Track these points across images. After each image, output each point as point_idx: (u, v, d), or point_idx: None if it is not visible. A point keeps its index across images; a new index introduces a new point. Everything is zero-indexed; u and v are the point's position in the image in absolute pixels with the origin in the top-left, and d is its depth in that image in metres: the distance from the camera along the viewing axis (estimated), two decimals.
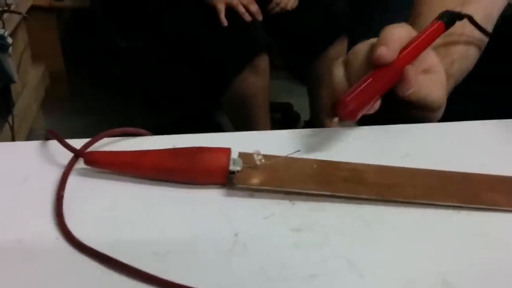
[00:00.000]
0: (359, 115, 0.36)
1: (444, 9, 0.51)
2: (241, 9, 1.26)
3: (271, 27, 1.34)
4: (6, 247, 0.28)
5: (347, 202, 0.32)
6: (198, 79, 1.50)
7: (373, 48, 0.38)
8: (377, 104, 0.38)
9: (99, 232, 0.29)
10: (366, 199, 0.32)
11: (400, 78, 0.38)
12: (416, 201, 0.32)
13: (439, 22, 0.43)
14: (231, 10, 1.26)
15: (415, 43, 0.39)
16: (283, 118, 1.77)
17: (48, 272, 0.27)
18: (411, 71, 0.38)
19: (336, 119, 0.35)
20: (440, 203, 0.32)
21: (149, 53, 1.50)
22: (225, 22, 1.24)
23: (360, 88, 0.36)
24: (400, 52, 0.38)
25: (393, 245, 0.29)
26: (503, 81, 0.61)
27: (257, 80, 1.29)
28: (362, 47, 0.39)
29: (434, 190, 0.33)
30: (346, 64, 0.40)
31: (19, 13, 1.38)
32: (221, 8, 1.24)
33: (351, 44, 1.54)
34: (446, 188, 0.33)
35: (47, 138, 0.37)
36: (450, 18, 0.44)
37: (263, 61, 1.29)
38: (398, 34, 0.39)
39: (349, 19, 1.44)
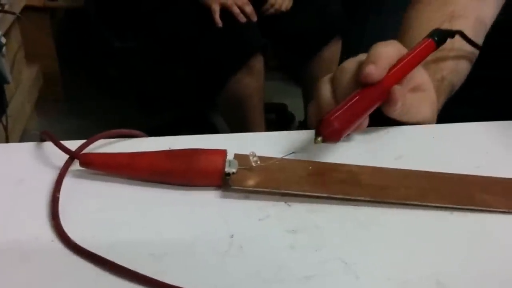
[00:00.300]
0: (344, 135, 0.35)
1: (432, 24, 0.51)
2: (236, 10, 1.26)
3: (265, 28, 1.34)
4: (2, 249, 0.28)
5: (343, 203, 0.32)
6: (193, 80, 1.50)
7: (361, 65, 0.37)
8: (365, 122, 0.37)
9: (94, 234, 0.29)
10: (361, 201, 0.32)
11: (387, 97, 0.37)
12: (411, 202, 0.32)
13: (429, 40, 0.43)
14: (225, 11, 1.26)
15: (404, 62, 0.39)
16: (277, 119, 1.78)
17: (44, 274, 0.27)
18: (398, 91, 0.37)
19: (320, 139, 0.33)
20: (434, 204, 0.32)
21: (143, 53, 1.50)
22: (219, 22, 1.24)
23: (345, 107, 0.35)
24: (389, 70, 0.37)
25: (388, 246, 0.29)
26: (497, 84, 0.61)
27: (252, 81, 1.29)
28: (350, 65, 0.39)
29: (428, 192, 0.33)
30: (333, 81, 0.39)
31: (13, 13, 1.37)
32: (216, 8, 1.24)
33: (346, 45, 1.55)
34: (440, 190, 0.34)
35: (42, 139, 0.37)
36: (441, 36, 0.44)
37: (258, 62, 1.29)
38: (387, 52, 0.38)
39: (343, 20, 1.45)
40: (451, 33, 0.46)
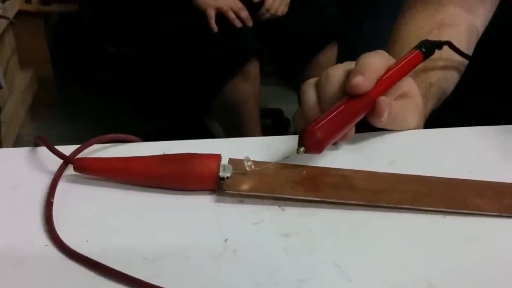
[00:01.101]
0: (327, 146, 0.34)
1: (422, 31, 0.51)
2: (232, 15, 1.27)
3: (261, 33, 1.35)
4: None
5: (336, 207, 0.32)
6: (188, 85, 1.50)
7: (347, 74, 0.37)
8: (351, 132, 0.37)
9: (89, 239, 0.29)
10: (354, 205, 0.32)
11: (373, 108, 0.37)
12: (403, 206, 0.32)
13: (417, 51, 0.43)
14: (221, 16, 1.26)
15: (391, 73, 0.38)
16: (273, 124, 1.78)
17: (38, 279, 0.27)
18: (384, 102, 0.37)
19: (302, 149, 0.33)
20: (426, 208, 0.32)
21: (138, 58, 1.50)
22: (215, 28, 1.25)
23: (329, 117, 0.34)
24: (376, 81, 0.37)
25: (380, 249, 0.30)
26: (490, 90, 0.62)
27: (248, 86, 1.30)
28: (335, 72, 0.38)
29: (421, 196, 0.33)
30: (318, 87, 0.39)
31: (7, 18, 1.37)
32: (211, 14, 1.25)
33: (342, 49, 1.56)
34: (432, 194, 0.34)
35: (36, 144, 0.37)
36: (428, 47, 0.44)
37: (254, 67, 1.29)
38: (376, 63, 0.37)
39: (339, 25, 1.45)
40: (439, 44, 0.46)
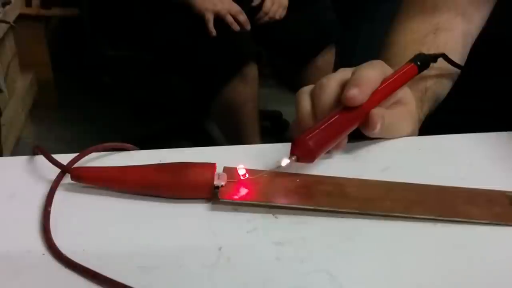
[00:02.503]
0: (319, 156, 0.35)
1: (417, 35, 0.52)
2: (230, 19, 1.28)
3: (259, 36, 1.35)
4: None
5: (329, 215, 0.33)
6: (188, 88, 1.50)
7: (342, 85, 0.38)
8: (343, 142, 0.37)
9: (85, 247, 0.30)
10: (347, 213, 0.33)
11: (366, 120, 0.37)
12: (396, 214, 0.33)
13: (412, 64, 0.43)
14: (219, 20, 1.27)
15: (385, 85, 0.39)
16: (272, 126, 1.78)
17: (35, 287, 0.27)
18: (377, 115, 0.37)
19: (294, 158, 0.34)
20: (418, 216, 0.33)
21: (138, 62, 1.51)
22: (213, 32, 1.25)
23: (321, 127, 0.35)
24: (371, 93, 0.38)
25: (372, 257, 0.30)
26: (487, 96, 0.62)
27: (246, 88, 1.30)
28: (331, 83, 0.38)
29: (413, 204, 0.34)
30: (313, 97, 0.39)
31: (7, 22, 1.38)
32: (210, 17, 1.25)
33: (340, 52, 1.56)
34: (425, 202, 0.34)
35: (34, 153, 0.37)
36: (423, 60, 0.45)
37: (252, 70, 1.30)
38: (371, 76, 0.38)
39: (337, 28, 1.46)
40: (433, 57, 0.47)
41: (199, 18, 1.26)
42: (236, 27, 1.29)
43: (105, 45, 1.47)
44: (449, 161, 0.39)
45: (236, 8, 1.29)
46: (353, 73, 0.38)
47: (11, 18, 1.45)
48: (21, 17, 1.55)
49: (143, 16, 1.36)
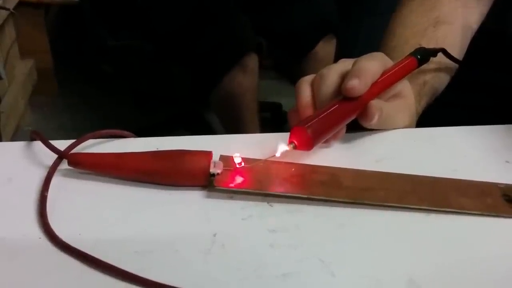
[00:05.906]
0: (317, 144, 0.35)
1: (417, 28, 0.52)
2: None
3: (260, 27, 1.35)
4: None
5: (323, 204, 0.33)
6: (188, 78, 1.50)
7: (342, 76, 0.38)
8: (342, 132, 0.38)
9: (81, 232, 0.30)
10: (341, 202, 0.33)
11: (364, 111, 0.38)
12: (388, 204, 0.33)
13: (412, 58, 0.44)
14: (220, 11, 1.26)
15: (384, 77, 0.39)
16: (272, 118, 1.79)
17: (31, 271, 0.28)
18: (375, 106, 0.38)
19: (292, 145, 0.34)
20: (411, 206, 0.33)
21: (138, 50, 1.50)
22: None
23: (320, 116, 0.35)
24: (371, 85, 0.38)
25: (364, 245, 0.30)
26: (486, 89, 0.63)
27: (246, 79, 1.30)
28: (331, 73, 0.39)
29: (406, 194, 0.34)
30: (313, 86, 0.39)
31: (7, 9, 1.37)
32: None
33: (341, 45, 1.56)
34: (418, 192, 0.35)
35: (32, 138, 0.38)
36: (424, 54, 0.45)
37: (252, 61, 1.30)
38: (372, 68, 0.38)
39: (335, 17, 1.45)
40: (433, 52, 0.47)
41: (200, 7, 1.26)
42: None
43: (105, 33, 1.46)
44: (443, 153, 0.40)
45: None
46: (353, 64, 0.38)
47: (11, 4, 1.44)
48: (21, 4, 1.54)
49: (143, 5, 1.35)
